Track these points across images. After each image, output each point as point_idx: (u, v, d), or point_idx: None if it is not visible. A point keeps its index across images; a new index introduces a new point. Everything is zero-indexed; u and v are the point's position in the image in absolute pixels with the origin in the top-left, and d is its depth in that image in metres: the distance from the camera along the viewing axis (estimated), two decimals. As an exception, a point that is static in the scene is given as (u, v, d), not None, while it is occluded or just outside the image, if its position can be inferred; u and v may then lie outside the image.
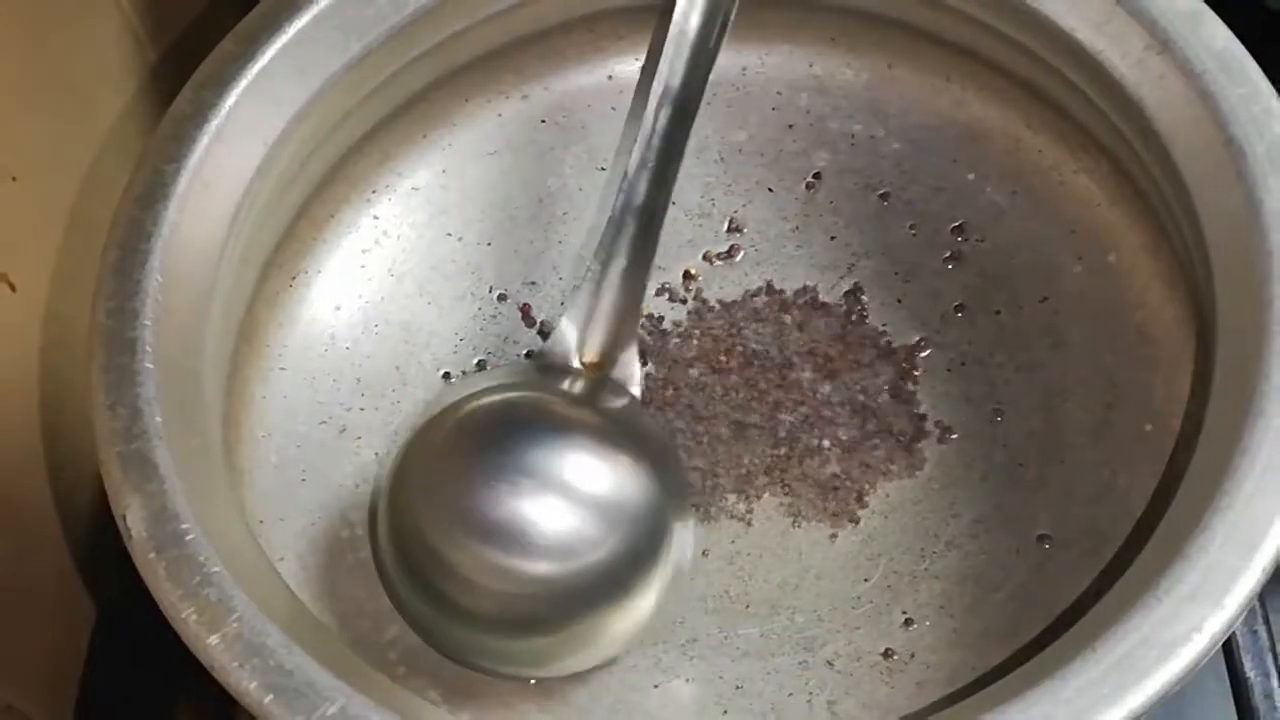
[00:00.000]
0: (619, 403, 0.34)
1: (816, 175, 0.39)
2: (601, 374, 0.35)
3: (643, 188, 0.35)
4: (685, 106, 0.36)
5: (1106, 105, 0.34)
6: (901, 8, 0.37)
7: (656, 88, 0.36)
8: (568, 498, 0.31)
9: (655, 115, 0.36)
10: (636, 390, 0.35)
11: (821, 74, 0.39)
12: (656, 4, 0.38)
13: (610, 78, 0.39)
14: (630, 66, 0.39)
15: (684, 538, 0.33)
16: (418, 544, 0.31)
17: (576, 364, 0.35)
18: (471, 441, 0.32)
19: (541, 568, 0.30)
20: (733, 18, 0.36)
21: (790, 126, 0.39)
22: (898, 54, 0.38)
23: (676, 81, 0.36)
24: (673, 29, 0.36)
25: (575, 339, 0.35)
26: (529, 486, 0.30)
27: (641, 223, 0.35)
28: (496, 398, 0.33)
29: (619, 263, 0.35)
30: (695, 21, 0.36)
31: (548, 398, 0.34)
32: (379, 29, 0.34)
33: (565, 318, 0.35)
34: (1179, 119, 0.31)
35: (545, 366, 0.35)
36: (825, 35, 0.39)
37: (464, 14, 0.36)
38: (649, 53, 0.39)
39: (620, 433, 0.33)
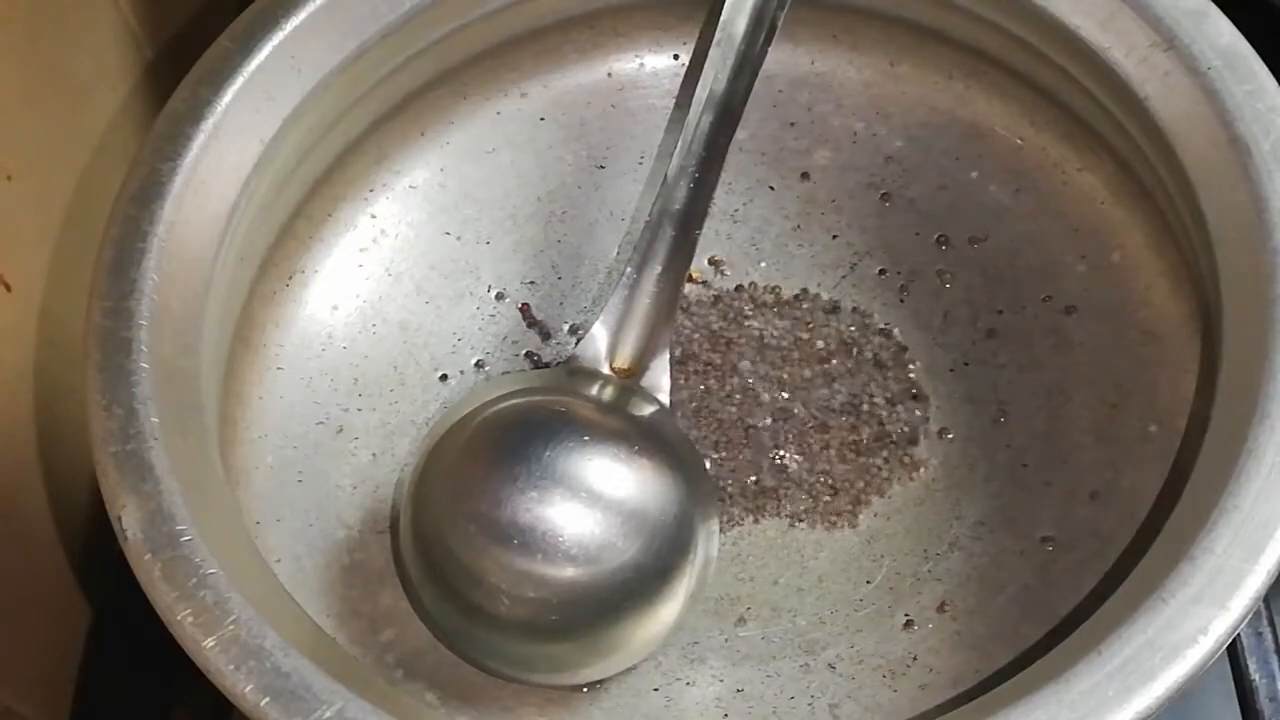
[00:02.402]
0: (648, 410, 0.34)
1: (818, 173, 0.39)
2: (632, 381, 0.35)
3: (681, 194, 0.35)
4: (729, 112, 0.35)
5: (1111, 103, 0.33)
6: (904, 5, 0.37)
7: (700, 93, 0.36)
8: (594, 504, 0.31)
9: (697, 121, 0.35)
10: (666, 398, 0.35)
11: (823, 71, 0.39)
12: (655, 1, 0.38)
13: (610, 75, 0.39)
14: (630, 64, 0.39)
15: (709, 547, 0.32)
16: (441, 547, 0.31)
17: (607, 370, 0.35)
18: (498, 445, 0.31)
19: (566, 574, 0.30)
20: (780, 23, 0.36)
21: (791, 124, 0.39)
22: (900, 51, 0.38)
23: (720, 87, 0.36)
24: (718, 33, 0.36)
25: (606, 344, 0.35)
26: (555, 492, 0.30)
27: (679, 229, 0.35)
28: (524, 401, 0.33)
29: (654, 269, 0.35)
30: (742, 26, 0.36)
31: (576, 403, 0.33)
32: (376, 26, 0.34)
33: (598, 322, 0.35)
34: (1184, 116, 0.31)
35: (575, 371, 0.35)
36: (827, 32, 0.38)
37: (461, 11, 0.36)
38: (693, 57, 0.39)
39: (648, 440, 0.32)
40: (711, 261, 0.38)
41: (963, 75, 0.38)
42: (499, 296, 0.38)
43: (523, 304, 0.38)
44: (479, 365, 0.37)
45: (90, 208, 0.35)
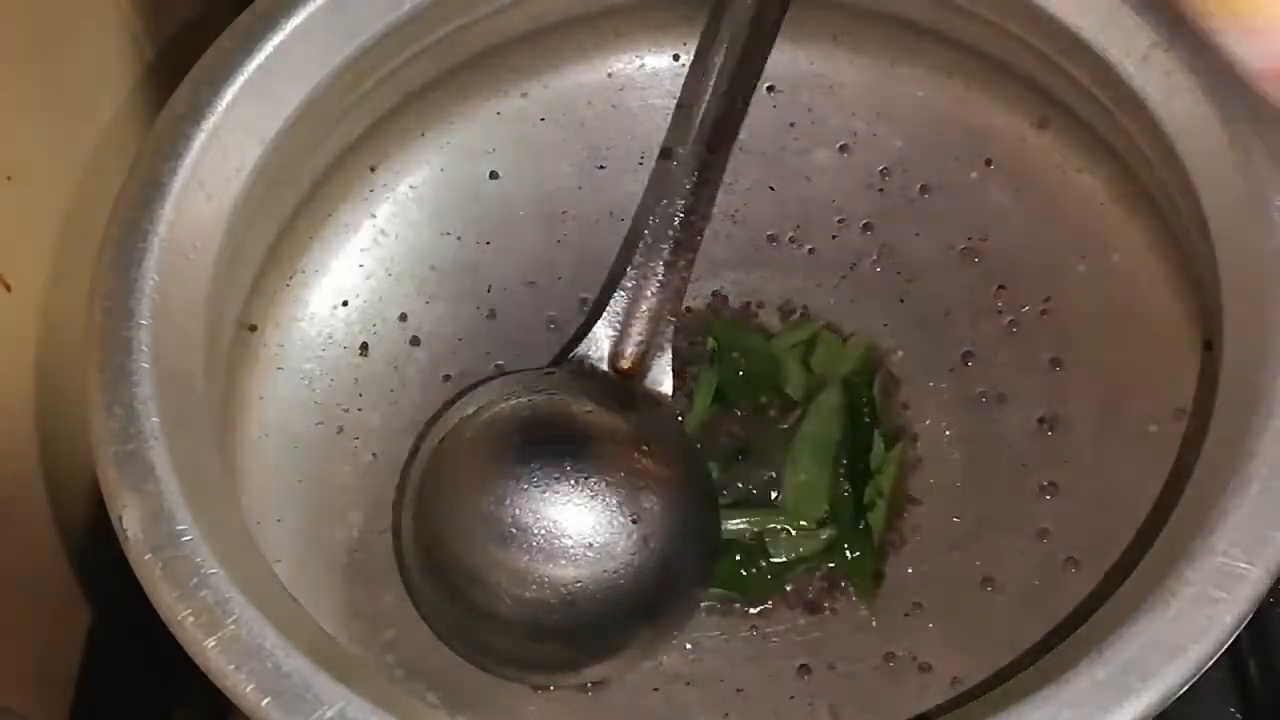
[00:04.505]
0: (650, 410, 0.34)
1: (818, 173, 0.38)
2: (634, 381, 0.35)
3: (682, 194, 0.35)
4: (729, 112, 0.35)
5: (1111, 103, 0.33)
6: (904, 5, 0.37)
7: (700, 94, 0.35)
8: (595, 504, 0.31)
9: (698, 121, 0.35)
10: (668, 399, 0.34)
11: (823, 71, 0.39)
12: (655, 1, 0.38)
13: (610, 75, 0.39)
14: (630, 64, 0.39)
15: (711, 547, 0.32)
16: (442, 547, 0.31)
17: (608, 370, 0.35)
18: (499, 445, 0.31)
19: (567, 574, 0.30)
20: (780, 23, 0.36)
21: (791, 125, 0.39)
22: (900, 51, 0.38)
23: (721, 87, 0.35)
24: (719, 33, 0.36)
25: (607, 344, 0.35)
26: (556, 492, 0.30)
27: (679, 229, 0.35)
28: (525, 401, 0.33)
29: (654, 269, 0.35)
30: (742, 26, 0.36)
31: (579, 404, 0.33)
32: (376, 26, 0.34)
33: (599, 322, 0.35)
34: (1184, 116, 0.31)
35: (577, 371, 0.35)
36: (827, 32, 0.38)
37: (462, 11, 0.36)
38: (696, 56, 0.39)
39: (650, 440, 0.32)
40: (712, 262, 0.38)
41: (963, 75, 0.38)
42: (500, 297, 0.38)
43: (523, 305, 0.37)
44: (479, 366, 0.37)
45: (91, 208, 0.35)
